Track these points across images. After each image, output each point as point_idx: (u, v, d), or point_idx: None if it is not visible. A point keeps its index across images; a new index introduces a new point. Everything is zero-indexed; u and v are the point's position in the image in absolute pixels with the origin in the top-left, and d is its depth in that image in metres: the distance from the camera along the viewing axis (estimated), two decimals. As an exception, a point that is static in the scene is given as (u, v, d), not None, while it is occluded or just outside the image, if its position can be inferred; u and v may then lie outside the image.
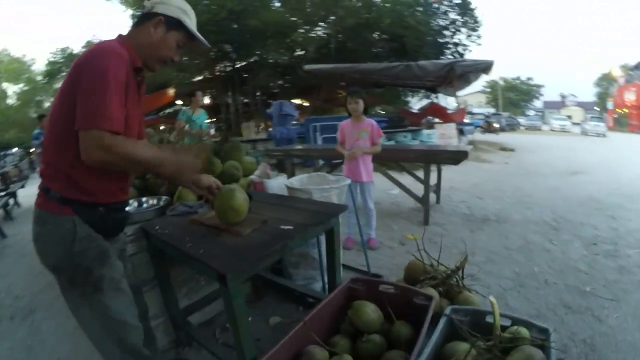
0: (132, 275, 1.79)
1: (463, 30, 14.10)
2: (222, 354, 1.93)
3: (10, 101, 24.71)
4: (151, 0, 1.47)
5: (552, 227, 3.95)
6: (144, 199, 2.46)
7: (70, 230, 1.35)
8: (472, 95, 45.47)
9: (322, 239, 2.64)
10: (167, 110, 17.81)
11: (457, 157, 4.12)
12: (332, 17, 12.44)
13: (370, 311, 1.65)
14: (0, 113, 21.72)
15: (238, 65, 14.61)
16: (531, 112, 43.97)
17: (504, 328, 1.43)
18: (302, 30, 13.13)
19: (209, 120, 17.78)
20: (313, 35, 13.27)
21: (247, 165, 3.07)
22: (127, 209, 1.78)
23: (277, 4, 13.08)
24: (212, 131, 14.10)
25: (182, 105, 18.00)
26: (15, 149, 20.19)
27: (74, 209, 1.36)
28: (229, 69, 14.75)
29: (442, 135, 9.91)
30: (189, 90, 14.45)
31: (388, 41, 13.09)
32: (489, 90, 48.81)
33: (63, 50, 24.49)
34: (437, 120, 11.89)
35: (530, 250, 3.38)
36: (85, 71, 1.24)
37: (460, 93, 18.41)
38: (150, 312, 2.21)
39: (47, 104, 24.61)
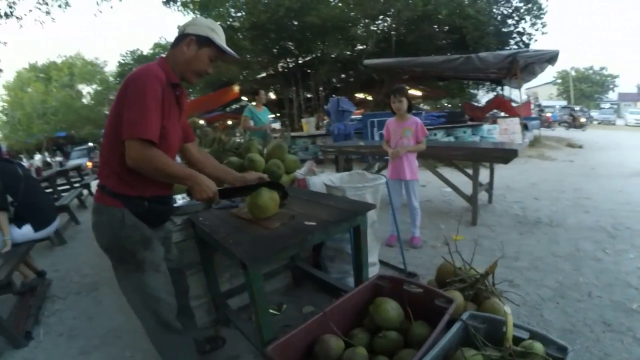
0: (176, 259, 2.06)
1: (527, 18, 12.93)
2: (251, 335, 2.10)
3: (85, 100, 26.85)
4: (184, 24, 1.69)
5: (609, 235, 3.63)
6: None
7: (119, 219, 1.61)
8: (542, 87, 41.77)
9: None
10: (234, 106, 18.65)
11: (505, 155, 3.92)
12: (391, 11, 12.15)
13: (391, 308, 1.69)
14: (76, 112, 23.67)
15: (300, 62, 14.85)
16: (606, 105, 39.26)
17: (519, 340, 1.40)
18: (361, 25, 12.99)
19: (272, 116, 18.34)
20: (373, 29, 13.08)
21: (290, 164, 3.20)
22: (177, 202, 2.21)
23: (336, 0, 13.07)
24: (277, 126, 14.52)
25: (248, 101, 18.80)
26: (90, 144, 21.98)
27: (123, 202, 1.62)
28: (291, 65, 15.04)
29: (504, 131, 9.38)
30: (254, 87, 15.05)
31: (448, 33, 12.53)
32: (559, 81, 44.65)
33: (132, 52, 26.51)
34: (503, 114, 11.29)
35: (579, 258, 3.15)
36: (130, 88, 1.48)
37: (528, 85, 17.27)
38: (194, 293, 2.51)
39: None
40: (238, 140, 3.77)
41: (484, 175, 4.80)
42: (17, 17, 9.41)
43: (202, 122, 16.88)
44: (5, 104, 24.32)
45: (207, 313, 2.67)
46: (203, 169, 1.96)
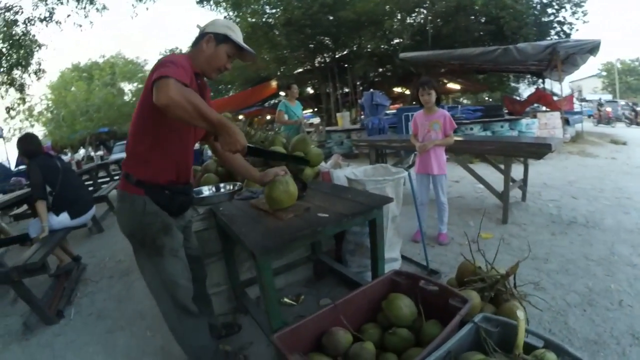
0: (196, 248, 2.13)
1: (567, 6, 12.07)
2: (263, 323, 2.12)
3: (127, 98, 27.78)
4: (203, 25, 1.78)
5: (648, 238, 3.35)
6: (221, 185, 2.74)
7: (141, 206, 1.70)
8: (586, 80, 39.06)
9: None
10: (272, 101, 18.88)
11: (538, 150, 3.69)
12: (426, 3, 11.82)
13: (404, 305, 1.66)
14: (118, 109, 24.49)
15: (337, 56, 14.77)
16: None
17: (532, 348, 1.32)
18: (397, 18, 12.73)
19: (310, 111, 18.40)
20: (409, 22, 12.79)
21: (314, 157, 3.18)
22: (203, 193, 2.42)
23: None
24: (315, 120, 14.57)
25: (285, 96, 18.96)
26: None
27: (145, 190, 1.70)
28: (328, 60, 14.98)
29: (543, 126, 8.91)
30: (289, 82, 15.13)
31: (484, 24, 12.01)
32: (604, 74, 41.39)
33: (171, 50, 27.35)
34: (544, 108, 10.77)
35: (614, 263, 2.91)
36: (161, 62, 1.48)
37: (571, 77, 16.38)
38: (215, 281, 2.60)
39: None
40: (264, 134, 3.79)
41: (518, 171, 4.62)
42: (56, 22, 9.88)
43: (241, 117, 17.28)
44: (50, 103, 25.61)
45: (227, 300, 2.72)
46: (231, 164, 2.10)
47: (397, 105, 14.91)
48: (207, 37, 1.72)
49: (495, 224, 3.92)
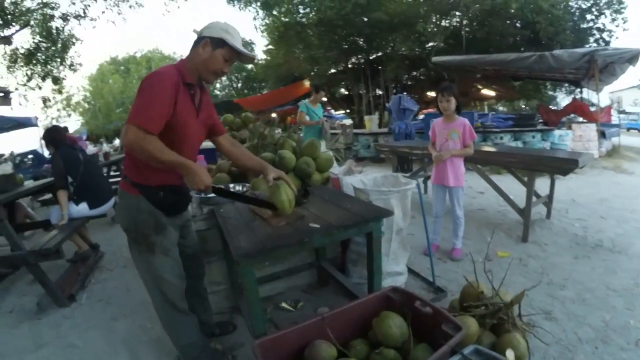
0: (194, 246, 2.17)
1: (607, 12, 11.36)
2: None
3: None
4: (200, 29, 1.79)
5: (680, 270, 3.05)
6: (231, 185, 2.77)
7: (136, 205, 1.78)
8: (627, 91, 36.40)
9: (382, 241, 2.61)
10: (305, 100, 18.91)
11: (563, 165, 3.45)
12: (460, 5, 11.47)
13: (394, 325, 1.59)
14: None
15: (370, 58, 14.61)
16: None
17: None
18: (432, 21, 12.46)
19: (342, 111, 18.31)
20: (444, 24, 12.48)
21: (323, 162, 3.11)
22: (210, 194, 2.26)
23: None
24: (347, 122, 14.52)
25: (309, 98, 18.94)
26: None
27: (140, 190, 1.77)
28: (361, 61, 14.84)
29: (578, 138, 8.44)
30: (316, 83, 15.02)
31: (520, 29, 11.52)
32: None
33: None
34: (580, 119, 10.26)
35: (637, 295, 2.66)
36: (141, 84, 1.61)
37: (611, 88, 15.46)
38: (215, 279, 2.63)
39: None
40: (278, 137, 3.76)
41: (545, 185, 4.40)
42: (90, 19, 10.29)
43: (274, 115, 17.44)
44: (88, 94, 26.80)
45: (225, 299, 2.73)
46: (236, 159, 2.12)
47: (428, 110, 14.62)
48: (203, 41, 1.72)
49: (514, 242, 3.74)
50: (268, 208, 1.93)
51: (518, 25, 11.68)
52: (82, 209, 3.85)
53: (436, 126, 3.47)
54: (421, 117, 11.63)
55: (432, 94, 16.95)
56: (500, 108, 21.11)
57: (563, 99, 16.58)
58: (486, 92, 14.59)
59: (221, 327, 2.49)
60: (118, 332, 2.69)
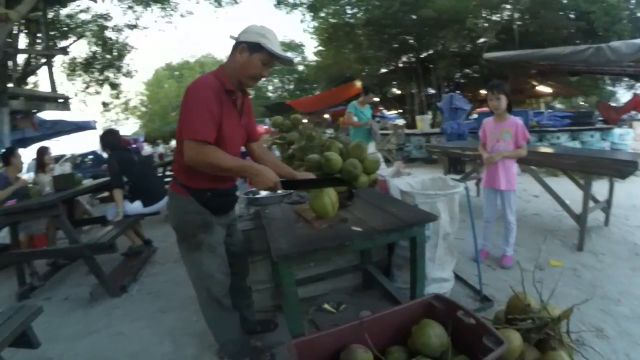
0: (239, 245, 2.24)
1: None
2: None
3: None
4: (237, 34, 1.80)
5: None
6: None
7: (185, 205, 1.88)
8: None
9: (427, 246, 2.52)
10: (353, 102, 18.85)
11: (622, 169, 3.12)
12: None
13: (434, 334, 1.53)
14: None
15: (421, 56, 14.28)
16: None
17: None
18: (483, 16, 11.92)
19: (395, 111, 18.08)
20: (495, 19, 11.90)
21: (370, 164, 3.05)
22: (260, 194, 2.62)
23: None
24: (400, 122, 14.33)
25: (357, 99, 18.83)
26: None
27: (189, 191, 1.87)
28: (412, 60, 14.54)
29: (638, 137, 7.80)
30: (366, 83, 14.90)
31: (574, 20, 10.65)
32: None
33: None
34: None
35: None
36: (185, 96, 1.70)
37: None
38: (260, 278, 2.69)
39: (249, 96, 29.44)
40: (326, 138, 3.75)
41: (604, 189, 4.07)
42: (143, 28, 10.92)
43: (326, 115, 17.55)
44: (145, 98, 28.47)
45: (270, 298, 2.78)
46: (266, 163, 2.10)
47: (482, 109, 14.03)
48: (240, 46, 1.74)
49: (569, 250, 3.47)
50: (339, 185, 1.97)
51: (572, 16, 10.88)
52: (136, 206, 4.07)
53: (487, 126, 3.30)
54: (474, 116, 11.15)
55: (485, 92, 16.24)
56: (558, 105, 19.87)
57: (623, 95, 15.27)
58: (542, 88, 13.71)
59: (263, 325, 2.53)
60: (164, 324, 2.82)
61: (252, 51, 1.72)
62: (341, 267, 2.91)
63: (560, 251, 3.44)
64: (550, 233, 3.92)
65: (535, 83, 13.43)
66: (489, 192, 3.33)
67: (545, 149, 4.36)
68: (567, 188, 4.17)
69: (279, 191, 1.92)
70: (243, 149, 2.20)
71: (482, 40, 12.03)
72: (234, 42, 1.79)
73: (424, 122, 11.11)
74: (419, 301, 1.81)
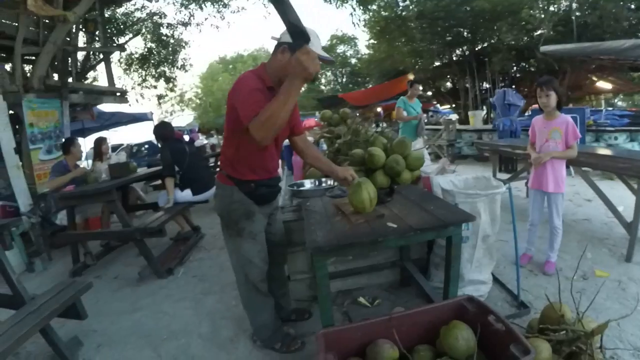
0: (279, 234, 2.36)
1: None
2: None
3: None
4: (279, 35, 1.84)
5: None
6: (323, 180, 2.92)
7: (230, 195, 2.02)
8: None
9: (464, 247, 2.48)
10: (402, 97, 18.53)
11: None
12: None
13: (462, 337, 1.53)
14: None
15: (476, 49, 13.78)
16: None
17: None
18: (540, 6, 11.25)
19: (448, 106, 17.66)
20: (552, 10, 11.19)
21: (413, 161, 3.03)
22: (305, 186, 2.79)
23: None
24: (453, 117, 14.00)
25: (423, 90, 18.49)
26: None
27: (234, 182, 2.01)
28: (466, 53, 14.07)
29: None
30: (425, 76, 14.69)
31: (634, 10, 9.76)
32: None
33: None
34: None
35: None
36: (236, 90, 1.77)
37: None
38: (299, 268, 2.80)
39: (302, 89, 29.76)
40: (371, 133, 3.75)
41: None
42: (197, 24, 11.27)
43: (379, 109, 17.44)
44: (199, 90, 29.53)
45: (307, 288, 2.86)
46: (308, 155, 2.24)
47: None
48: (282, 47, 1.79)
49: (616, 261, 3.23)
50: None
51: (632, 6, 10.06)
52: (186, 194, 4.32)
53: (536, 124, 3.16)
54: (529, 113, 10.63)
55: (539, 88, 15.37)
56: (619, 103, 18.48)
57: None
58: (602, 84, 12.80)
59: (297, 314, 2.63)
60: (205, 306, 3.00)
61: (293, 51, 1.68)
62: (380, 263, 2.94)
63: (608, 261, 3.22)
64: (599, 241, 3.68)
65: (595, 79, 12.58)
66: (536, 194, 3.19)
67: (598, 150, 4.10)
68: (623, 194, 3.89)
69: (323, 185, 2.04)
70: (287, 142, 2.32)
71: (538, 32, 11.41)
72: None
73: (476, 117, 10.69)
74: (450, 302, 1.80)
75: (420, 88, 6.08)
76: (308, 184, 2.89)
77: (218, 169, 2.16)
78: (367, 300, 2.78)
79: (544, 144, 3.05)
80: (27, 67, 6.16)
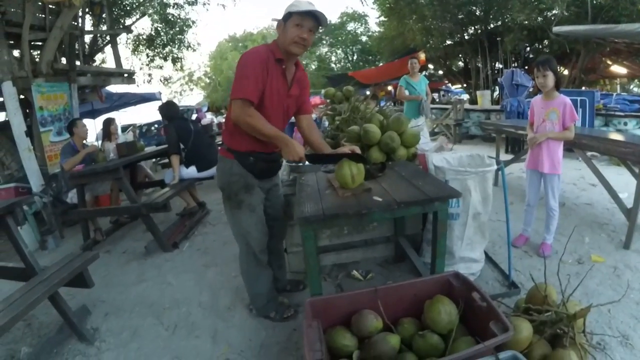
0: (277, 208, 2.47)
1: None
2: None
3: None
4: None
5: None
6: None
7: (230, 168, 2.13)
8: None
9: (454, 224, 2.55)
10: (422, 73, 18.22)
11: None
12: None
13: (444, 311, 1.59)
14: None
15: (489, 28, 13.48)
16: None
17: None
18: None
19: (459, 86, 17.40)
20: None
21: (409, 138, 3.08)
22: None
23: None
24: (465, 97, 13.80)
25: (433, 69, 18.22)
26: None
27: (234, 155, 2.11)
28: (479, 32, 13.76)
29: None
30: (438, 54, 14.44)
31: None
32: None
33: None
34: None
35: None
36: (238, 64, 1.94)
37: None
38: (295, 241, 2.86)
39: (311, 67, 29.32)
40: (369, 110, 3.78)
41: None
42: (203, 4, 11.17)
43: (390, 88, 17.25)
44: (209, 69, 29.59)
45: (303, 260, 2.88)
46: (308, 138, 2.36)
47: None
48: (278, 23, 1.98)
49: (614, 247, 3.21)
50: (359, 161, 2.02)
51: None
52: (191, 171, 4.45)
53: (535, 105, 3.15)
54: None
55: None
56: (635, 89, 17.97)
57: None
58: (616, 68, 12.49)
59: (292, 285, 2.76)
60: (207, 277, 3.16)
61: (285, 21, 1.92)
62: (374, 238, 3.00)
63: (606, 247, 3.23)
64: (599, 226, 3.67)
65: (609, 62, 12.28)
66: (532, 175, 3.20)
67: (602, 134, 4.05)
68: (629, 180, 3.81)
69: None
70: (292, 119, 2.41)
71: (552, 12, 11.10)
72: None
73: (484, 97, 10.55)
74: (437, 277, 1.87)
75: (417, 64, 5.96)
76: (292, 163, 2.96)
77: (220, 143, 2.26)
78: (361, 274, 2.87)
79: (540, 125, 3.05)
80: (36, 53, 6.25)
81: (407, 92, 5.71)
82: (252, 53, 1.95)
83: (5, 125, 5.41)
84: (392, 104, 11.38)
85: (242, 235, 2.23)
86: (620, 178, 3.75)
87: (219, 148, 2.23)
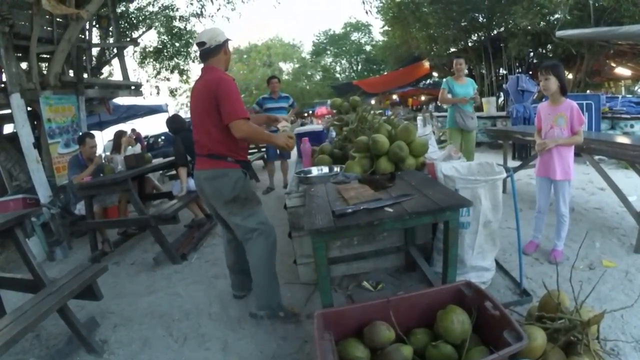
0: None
1: None
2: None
3: (285, 77, 30.59)
4: (207, 37, 2.45)
5: None
6: (333, 167, 3.12)
7: (239, 175, 2.44)
8: None
9: (465, 233, 2.52)
10: (428, 81, 18.44)
11: None
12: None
13: (457, 321, 1.57)
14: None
15: (492, 34, 13.50)
16: None
17: None
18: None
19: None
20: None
21: (417, 147, 3.08)
22: (312, 173, 3.08)
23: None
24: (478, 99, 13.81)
25: (438, 77, 18.25)
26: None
27: (240, 165, 2.46)
28: (482, 38, 13.81)
29: None
30: (444, 61, 14.48)
31: None
32: None
33: (325, 32, 27.79)
34: None
35: None
36: (221, 89, 2.23)
37: None
38: (306, 252, 2.87)
39: (316, 78, 29.46)
40: (377, 120, 3.78)
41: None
42: (209, 16, 11.33)
43: (395, 96, 17.28)
44: None
45: (313, 272, 2.90)
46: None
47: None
48: (227, 43, 2.47)
49: (625, 251, 3.16)
50: None
51: None
52: (199, 183, 4.45)
53: (542, 111, 3.13)
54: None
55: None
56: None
57: None
58: (620, 70, 12.44)
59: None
60: (216, 288, 3.16)
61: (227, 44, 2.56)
62: (385, 248, 2.98)
63: (617, 252, 3.17)
64: (609, 230, 3.62)
65: (613, 64, 12.25)
66: (542, 182, 3.17)
67: (610, 138, 4.02)
68: (638, 183, 3.81)
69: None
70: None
71: (555, 17, 11.11)
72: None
73: (489, 104, 10.53)
74: (449, 286, 1.85)
75: (463, 65, 5.29)
76: (315, 171, 3.07)
77: (214, 160, 2.40)
78: (371, 285, 2.84)
79: (549, 131, 3.02)
80: (44, 65, 6.35)
81: (450, 96, 5.06)
82: (230, 79, 2.34)
83: (14, 136, 5.50)
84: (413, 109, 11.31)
85: (265, 230, 2.44)
86: (628, 181, 3.70)
87: (220, 163, 2.39)
